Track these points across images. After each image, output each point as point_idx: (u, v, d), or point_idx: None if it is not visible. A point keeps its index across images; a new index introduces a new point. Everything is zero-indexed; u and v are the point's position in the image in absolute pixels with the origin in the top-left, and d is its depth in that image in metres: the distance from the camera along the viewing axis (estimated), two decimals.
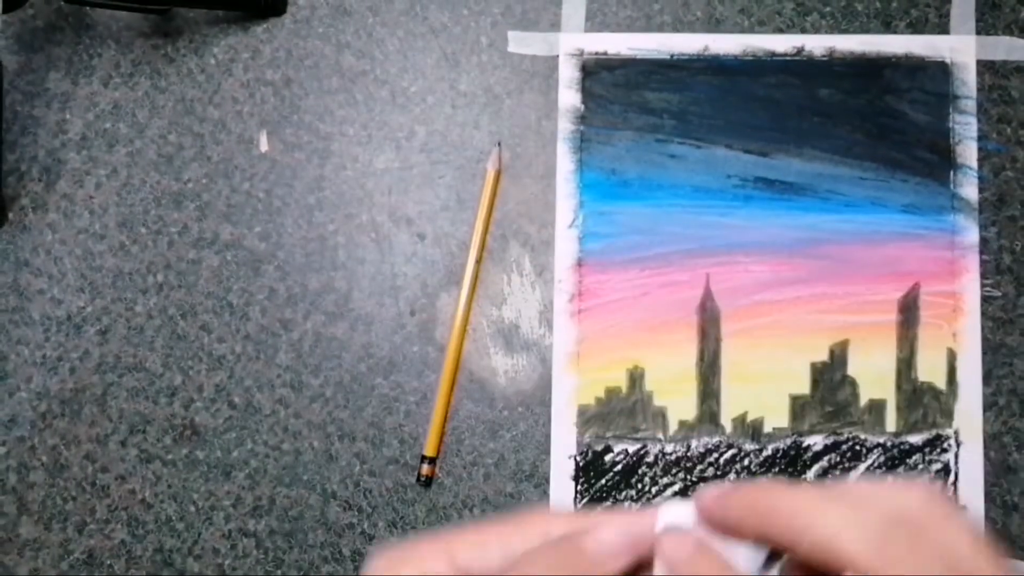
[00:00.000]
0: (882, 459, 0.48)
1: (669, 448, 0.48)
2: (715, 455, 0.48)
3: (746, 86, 0.50)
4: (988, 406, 0.48)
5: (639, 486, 0.48)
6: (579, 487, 0.48)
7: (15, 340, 0.50)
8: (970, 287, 0.48)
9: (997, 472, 0.48)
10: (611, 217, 0.50)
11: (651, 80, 0.50)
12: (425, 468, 0.48)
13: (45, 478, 0.49)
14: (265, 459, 0.49)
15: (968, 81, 0.50)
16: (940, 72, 0.50)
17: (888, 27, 0.50)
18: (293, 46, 0.51)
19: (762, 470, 0.48)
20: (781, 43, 0.50)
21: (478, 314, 0.49)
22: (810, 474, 0.48)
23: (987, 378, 0.48)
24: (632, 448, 0.48)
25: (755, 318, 0.49)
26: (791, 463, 0.48)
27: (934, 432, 0.48)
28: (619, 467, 0.48)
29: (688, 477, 0.48)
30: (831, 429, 0.48)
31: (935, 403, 0.48)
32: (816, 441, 0.48)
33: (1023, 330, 0.48)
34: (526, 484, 0.48)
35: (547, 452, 0.48)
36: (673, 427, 0.48)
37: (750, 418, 0.48)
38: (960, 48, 0.50)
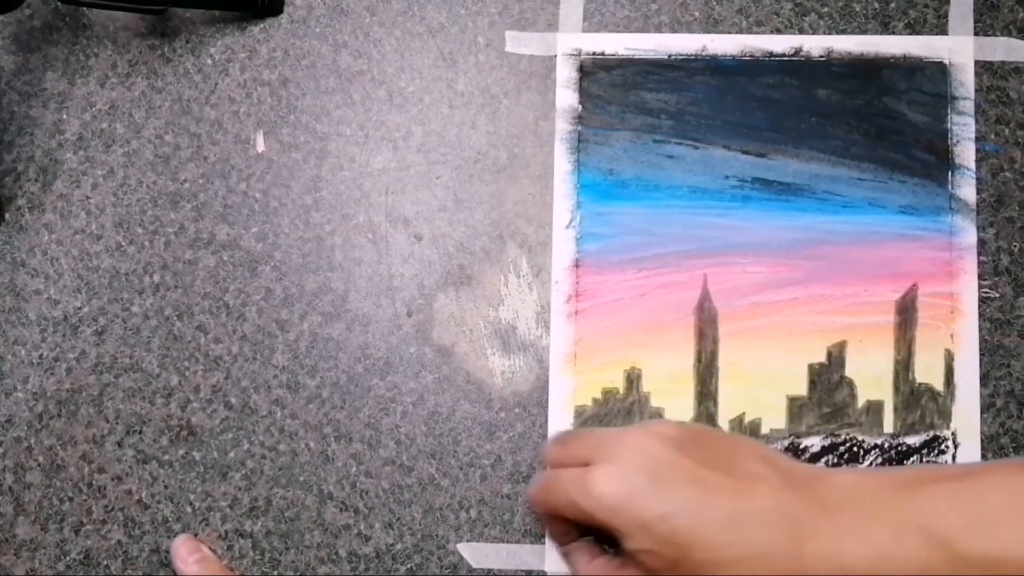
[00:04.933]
0: (880, 460, 0.48)
1: None
2: None
3: (744, 86, 0.50)
4: (986, 407, 0.48)
5: None
6: None
7: (11, 340, 0.50)
8: (968, 288, 0.48)
9: None
10: (608, 218, 0.50)
11: (649, 80, 0.50)
12: None
13: (41, 479, 0.49)
14: (261, 460, 0.49)
15: (966, 82, 0.49)
16: (938, 73, 0.50)
17: (886, 28, 0.50)
18: (290, 46, 0.51)
19: None
20: (779, 43, 0.50)
21: (475, 315, 0.49)
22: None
23: (985, 379, 0.48)
24: None
25: (753, 319, 0.49)
26: None
27: (932, 433, 0.48)
28: None
29: None
30: (829, 430, 0.48)
31: (933, 404, 0.48)
32: (814, 442, 0.48)
33: (1021, 331, 0.48)
34: (523, 485, 0.48)
35: None
36: None
37: (747, 419, 0.48)
38: (958, 49, 0.50)
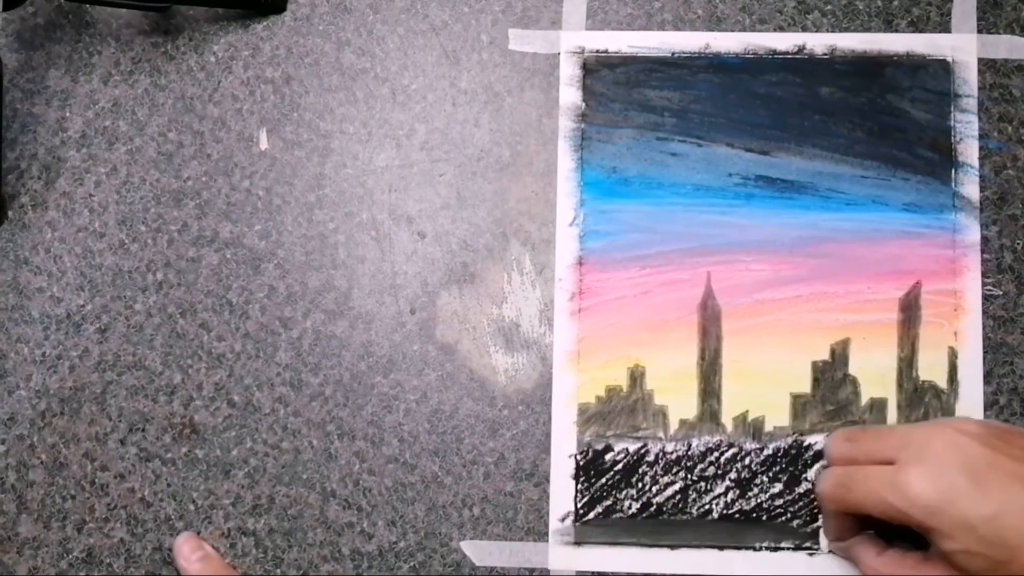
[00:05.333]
0: None
1: (670, 447, 0.48)
2: (716, 454, 0.48)
3: (747, 84, 0.50)
4: (989, 405, 0.48)
5: (639, 485, 0.48)
6: (579, 486, 0.48)
7: (15, 338, 0.50)
8: (971, 286, 0.48)
9: None
10: (612, 215, 0.50)
11: (652, 78, 0.50)
12: None
13: (44, 477, 0.49)
14: (264, 458, 0.49)
15: (969, 80, 0.49)
16: (941, 70, 0.50)
17: (889, 25, 0.50)
18: (293, 44, 0.51)
19: (763, 469, 0.48)
20: (782, 41, 0.50)
21: (478, 312, 0.49)
22: (811, 473, 0.48)
23: (988, 377, 0.48)
24: (633, 447, 0.48)
25: (756, 317, 0.49)
26: (792, 462, 0.48)
27: None
28: (619, 466, 0.48)
29: (689, 476, 0.48)
30: (832, 428, 0.48)
31: (936, 402, 0.48)
32: (817, 440, 0.48)
33: None
34: (526, 483, 0.48)
35: (547, 451, 0.48)
36: (674, 426, 0.48)
37: (751, 417, 0.48)
38: (962, 47, 0.50)
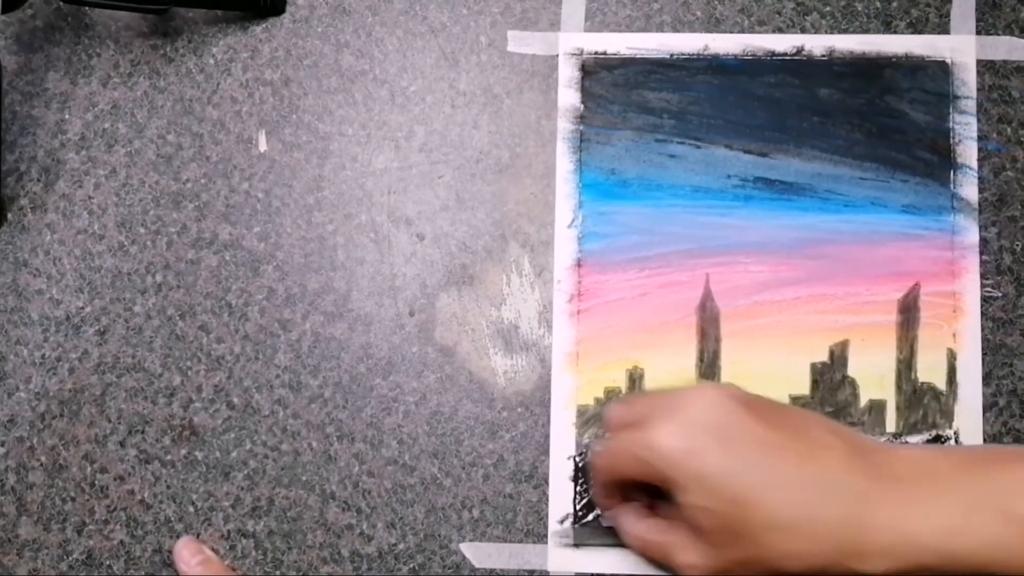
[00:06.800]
0: None
1: None
2: None
3: (746, 86, 0.50)
4: (988, 407, 0.48)
5: None
6: (578, 488, 0.48)
7: (14, 340, 0.50)
8: (970, 287, 0.48)
9: None
10: (610, 217, 0.50)
11: (651, 80, 0.50)
12: None
13: (44, 479, 0.49)
14: (264, 460, 0.49)
15: (968, 81, 0.49)
16: (940, 72, 0.50)
17: (888, 27, 0.50)
18: (292, 46, 0.51)
19: None
20: (781, 43, 0.50)
21: (477, 314, 0.49)
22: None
23: (987, 379, 0.48)
24: None
25: (755, 318, 0.49)
26: None
27: (934, 432, 0.48)
28: None
29: None
30: None
31: (935, 403, 0.48)
32: None
33: (1023, 331, 0.48)
34: (525, 485, 0.48)
35: (546, 453, 0.48)
36: None
37: None
38: (960, 48, 0.50)
